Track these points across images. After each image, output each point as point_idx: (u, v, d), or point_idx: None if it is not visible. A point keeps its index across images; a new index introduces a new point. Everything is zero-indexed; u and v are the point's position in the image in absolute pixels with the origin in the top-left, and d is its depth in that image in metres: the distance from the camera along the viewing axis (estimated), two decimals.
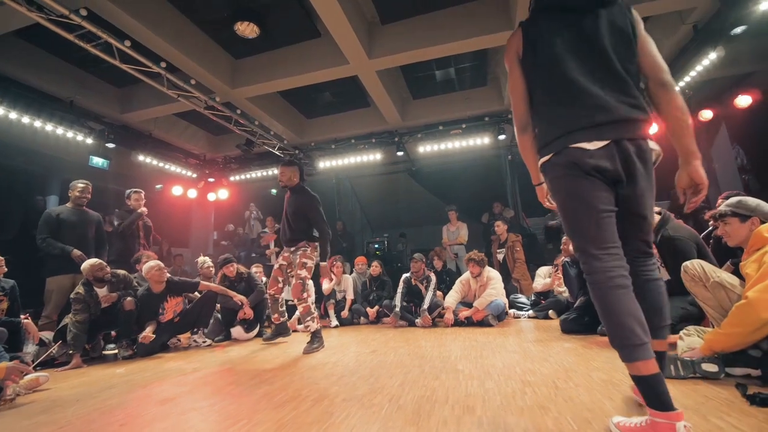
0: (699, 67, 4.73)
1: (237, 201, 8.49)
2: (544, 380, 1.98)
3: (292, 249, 3.46)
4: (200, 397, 2.12)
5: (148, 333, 3.53)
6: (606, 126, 1.29)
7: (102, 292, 3.64)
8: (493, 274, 4.56)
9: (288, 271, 3.50)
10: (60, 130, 5.24)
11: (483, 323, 4.18)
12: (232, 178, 8.20)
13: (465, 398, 1.77)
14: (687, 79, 5.01)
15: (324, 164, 7.32)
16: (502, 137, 6.22)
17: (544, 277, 4.86)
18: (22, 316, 3.30)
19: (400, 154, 6.72)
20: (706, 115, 5.91)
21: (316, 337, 3.33)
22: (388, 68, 5.04)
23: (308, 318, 3.32)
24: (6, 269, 3.38)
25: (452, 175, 7.64)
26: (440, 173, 7.80)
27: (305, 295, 3.33)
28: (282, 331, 3.77)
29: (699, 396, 1.60)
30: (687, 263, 2.17)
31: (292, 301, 4.91)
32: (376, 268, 5.40)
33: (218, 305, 4.32)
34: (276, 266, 3.49)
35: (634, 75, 1.36)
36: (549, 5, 1.48)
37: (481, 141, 6.44)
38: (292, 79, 5.05)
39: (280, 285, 3.47)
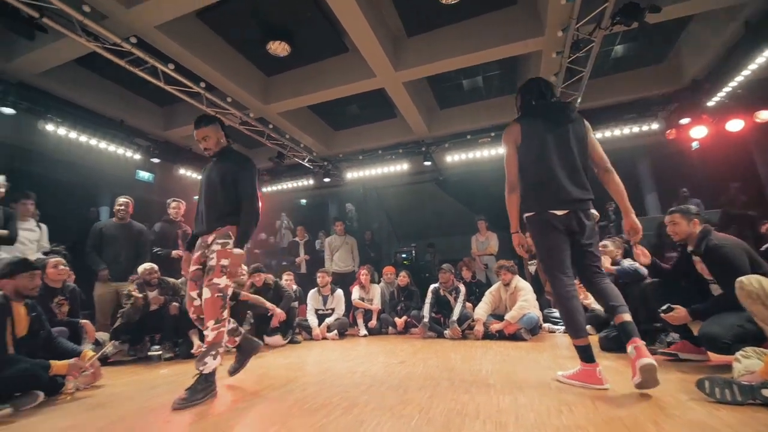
0: (753, 66, 4.49)
1: (269, 211, 8.77)
2: (582, 399, 1.90)
3: (209, 240, 2.38)
4: (237, 400, 2.20)
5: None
6: (567, 202, 2.15)
7: (152, 296, 3.90)
8: (522, 284, 4.45)
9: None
10: (111, 147, 5.65)
11: (515, 337, 4.07)
12: (264, 189, 8.49)
13: (497, 414, 1.73)
14: (739, 78, 4.76)
15: (352, 175, 7.44)
16: None
17: None
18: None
19: (427, 164, 6.74)
20: (763, 116, 5.50)
21: (207, 382, 2.21)
22: (414, 79, 5.09)
23: (212, 352, 2.22)
24: (67, 273, 3.65)
25: (481, 184, 7.54)
26: (468, 182, 7.72)
27: (225, 314, 2.27)
28: (247, 350, 2.70)
29: (759, 425, 1.47)
30: (743, 279, 2.04)
31: (322, 309, 5.07)
32: (404, 278, 5.40)
33: (249, 312, 4.46)
34: (189, 278, 2.42)
35: (587, 168, 2.25)
36: (536, 114, 2.29)
37: None
38: (321, 93, 5.22)
39: (198, 303, 2.34)
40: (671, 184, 6.88)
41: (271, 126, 5.90)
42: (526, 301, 4.23)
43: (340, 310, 5.08)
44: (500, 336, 4.17)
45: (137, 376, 3.07)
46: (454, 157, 6.70)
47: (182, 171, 6.94)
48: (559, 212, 2.14)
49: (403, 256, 8.47)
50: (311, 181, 7.94)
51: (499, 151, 6.43)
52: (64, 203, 5.84)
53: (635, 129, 6.02)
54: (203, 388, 2.17)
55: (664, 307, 2.62)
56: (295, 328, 4.71)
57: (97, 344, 3.50)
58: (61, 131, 5.08)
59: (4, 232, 3.54)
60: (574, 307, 2.14)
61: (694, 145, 5.98)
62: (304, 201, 9.81)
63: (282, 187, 8.33)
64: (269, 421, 1.76)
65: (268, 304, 4.36)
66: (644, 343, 1.96)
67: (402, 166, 7.05)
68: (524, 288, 4.39)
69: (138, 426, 1.84)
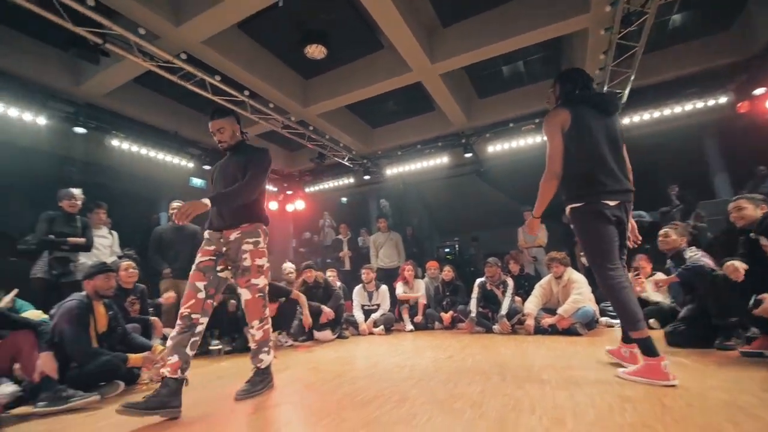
0: None
1: (312, 210, 9.03)
2: (648, 396, 1.78)
3: (232, 237, 2.26)
4: (291, 392, 2.30)
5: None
6: (619, 192, 2.13)
7: None
8: (576, 277, 4.23)
9: (221, 271, 2.26)
10: (167, 158, 6.09)
11: (570, 332, 3.89)
12: (307, 190, 8.75)
13: (553, 410, 1.67)
14: None
15: (391, 171, 7.46)
16: None
17: None
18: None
19: (468, 155, 6.59)
20: None
21: (264, 374, 2.32)
22: (451, 70, 4.99)
23: (264, 349, 2.31)
24: (137, 275, 4.00)
25: (526, 173, 7.18)
26: (512, 172, 7.44)
27: (266, 311, 2.34)
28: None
29: None
30: None
31: (368, 305, 5.15)
32: (448, 272, 5.34)
33: (299, 308, 4.63)
34: (192, 268, 2.21)
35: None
36: (583, 101, 2.22)
37: None
38: (358, 92, 5.27)
39: (202, 296, 2.13)
40: (745, 162, 6.21)
41: (311, 128, 6.06)
42: (580, 294, 4.02)
43: (386, 305, 5.13)
44: (553, 331, 4.00)
45: (202, 368, 3.29)
46: (495, 147, 6.50)
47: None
48: (611, 202, 2.11)
49: (446, 250, 8.38)
50: (351, 180, 8.06)
51: (545, 139, 6.13)
52: (131, 211, 6.38)
53: (699, 105, 5.50)
54: (261, 380, 2.29)
55: (751, 302, 2.36)
56: (342, 324, 4.82)
57: (165, 339, 3.79)
58: (125, 145, 5.57)
59: (81, 240, 3.96)
60: (627, 297, 2.06)
61: None
62: (344, 199, 9.99)
63: (323, 186, 8.53)
64: (323, 413, 1.82)
65: (313, 306, 4.51)
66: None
67: (442, 160, 6.96)
68: (578, 280, 4.18)
69: (207, 413, 1.98)
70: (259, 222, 2.36)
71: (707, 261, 2.93)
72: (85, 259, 4.12)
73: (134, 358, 2.69)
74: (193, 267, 2.21)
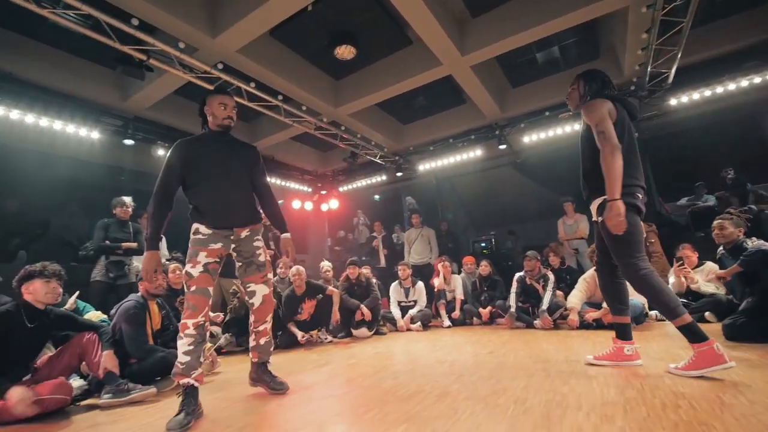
0: None
1: (346, 209, 9.16)
2: (704, 394, 1.68)
3: (243, 234, 2.23)
4: (335, 386, 2.37)
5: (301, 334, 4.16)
6: (644, 188, 2.22)
7: None
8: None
9: (237, 266, 2.27)
10: None
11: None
12: (341, 189, 8.89)
13: (601, 406, 1.62)
14: None
15: (423, 167, 7.42)
16: None
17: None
18: None
19: (502, 147, 6.43)
20: None
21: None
22: (482, 61, 4.88)
23: (271, 348, 2.42)
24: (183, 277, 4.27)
25: (565, 163, 6.88)
26: (550, 162, 7.17)
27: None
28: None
29: None
30: None
31: (405, 301, 5.16)
32: (485, 267, 5.25)
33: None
34: (198, 269, 2.03)
35: None
36: (615, 100, 2.25)
37: None
38: (388, 89, 5.28)
39: (211, 302, 2.06)
40: None
41: (342, 128, 6.15)
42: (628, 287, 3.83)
43: (422, 301, 5.14)
44: (598, 325, 3.85)
45: (246, 364, 3.43)
46: (531, 137, 6.29)
47: (267, 179, 7.58)
48: (641, 195, 2.20)
49: (482, 245, 8.22)
50: (384, 177, 8.10)
51: (588, 120, 5.86)
52: (176, 215, 6.74)
53: (757, 80, 5.05)
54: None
55: None
56: (379, 320, 4.87)
57: (212, 336, 4.00)
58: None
59: (134, 244, 4.27)
60: (662, 284, 2.08)
61: None
62: (377, 197, 10.05)
63: (357, 185, 8.63)
64: (366, 407, 1.87)
65: (351, 303, 4.59)
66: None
67: (475, 153, 6.83)
68: None
69: (254, 406, 2.09)
70: (260, 221, 2.37)
71: None
72: (137, 263, 4.44)
73: None
74: (200, 268, 2.03)
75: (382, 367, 2.82)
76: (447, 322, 5.02)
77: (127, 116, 5.45)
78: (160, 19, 3.73)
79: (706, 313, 3.71)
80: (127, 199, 4.38)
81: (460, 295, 5.20)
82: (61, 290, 3.24)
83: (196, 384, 1.96)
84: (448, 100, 6.41)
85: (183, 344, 1.97)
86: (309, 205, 8.83)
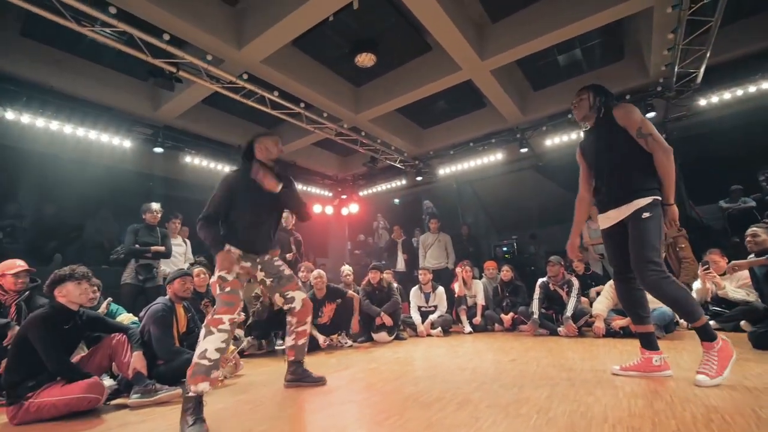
0: None
1: (366, 213, 9.22)
2: (738, 407, 1.62)
3: (266, 258, 2.52)
4: (355, 391, 2.40)
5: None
6: None
7: (275, 296, 4.44)
8: None
9: (268, 282, 2.51)
10: (233, 170, 6.59)
11: None
12: (361, 193, 8.96)
13: (629, 418, 1.58)
14: None
15: (444, 171, 7.40)
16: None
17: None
18: None
19: (524, 150, 6.35)
20: None
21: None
22: (503, 65, 4.85)
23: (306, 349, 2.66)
24: (208, 279, 4.37)
25: None
26: (573, 165, 7.02)
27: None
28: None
29: None
30: None
31: (425, 306, 5.15)
32: (507, 272, 5.19)
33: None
34: (232, 275, 2.20)
35: None
36: None
37: None
38: (408, 95, 5.31)
39: (241, 304, 2.21)
40: None
41: (363, 133, 6.22)
42: None
43: (443, 307, 5.11)
44: (626, 333, 3.74)
45: (268, 367, 3.52)
46: (554, 140, 6.19)
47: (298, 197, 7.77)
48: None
49: (504, 249, 8.12)
50: (404, 181, 8.12)
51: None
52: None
53: None
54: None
55: None
56: (399, 325, 4.88)
57: (236, 339, 4.09)
58: (196, 161, 6.12)
59: (161, 248, 4.45)
60: (681, 287, 2.11)
61: None
62: (397, 200, 10.08)
63: (377, 189, 8.67)
64: (387, 413, 1.89)
65: (371, 309, 4.64)
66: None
67: (496, 156, 6.77)
68: None
69: (275, 410, 2.14)
70: (277, 247, 2.66)
71: None
72: (164, 267, 4.62)
73: None
74: (233, 275, 2.20)
75: (402, 372, 2.84)
76: (468, 328, 4.98)
77: (157, 125, 5.69)
78: (189, 33, 3.90)
79: (742, 322, 3.55)
80: (155, 206, 4.56)
81: (481, 301, 5.15)
82: (96, 293, 3.39)
83: (210, 389, 1.96)
84: (469, 104, 6.39)
85: (215, 339, 2.01)
86: (330, 210, 8.94)
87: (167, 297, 3.08)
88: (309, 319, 2.62)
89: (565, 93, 5.86)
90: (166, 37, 3.80)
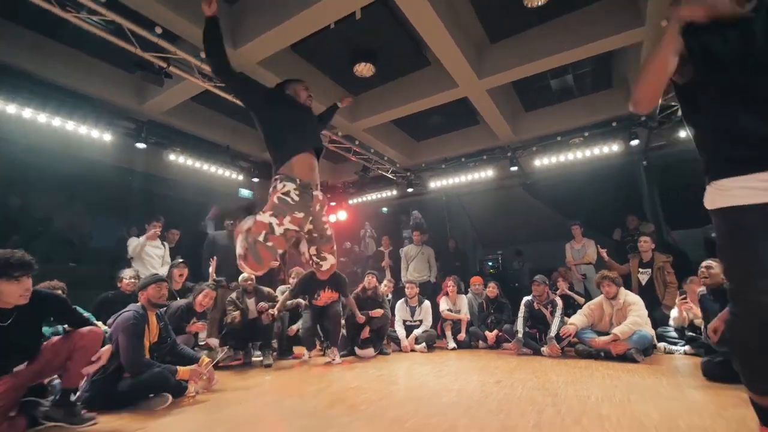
0: None
1: (354, 221, 9.15)
2: None
3: (318, 207, 2.31)
4: (339, 414, 2.32)
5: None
6: None
7: (250, 303, 4.31)
8: (632, 299, 3.99)
9: (315, 234, 2.33)
10: (219, 171, 6.44)
11: (625, 358, 3.66)
12: (350, 201, 8.89)
13: None
14: None
15: (435, 184, 7.42)
16: (634, 142, 5.48)
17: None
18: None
19: (513, 169, 6.43)
20: None
21: None
22: (498, 85, 4.92)
23: None
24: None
25: (574, 187, 6.95)
26: (560, 185, 7.18)
27: None
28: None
29: None
30: None
31: (410, 321, 5.09)
32: (492, 289, 5.20)
33: (344, 323, 4.67)
34: (281, 230, 2.01)
35: None
36: None
37: (609, 149, 5.76)
38: (404, 108, 5.31)
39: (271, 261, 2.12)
40: None
41: (357, 142, 6.18)
42: (639, 317, 3.79)
43: (428, 321, 5.08)
44: (606, 356, 3.79)
45: (244, 381, 3.38)
46: (543, 161, 6.30)
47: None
48: None
49: (489, 263, 8.17)
50: (394, 192, 8.09)
51: (594, 152, 5.89)
52: (182, 218, 6.77)
53: None
54: None
55: None
56: (384, 339, 4.81)
57: (210, 350, 3.92)
58: (181, 159, 5.94)
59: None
60: None
61: None
62: (385, 209, 10.04)
63: (367, 198, 8.62)
64: None
65: (360, 317, 4.55)
66: None
67: (487, 173, 6.84)
68: (636, 302, 3.94)
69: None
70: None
71: None
72: (139, 268, 4.40)
73: (183, 370, 2.76)
74: (281, 230, 2.00)
75: (386, 393, 2.78)
76: (452, 344, 4.96)
77: (141, 119, 5.47)
78: (183, 29, 3.75)
79: (686, 347, 3.75)
80: (129, 272, 4.06)
81: (466, 317, 5.14)
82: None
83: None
84: (463, 120, 6.44)
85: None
86: None
87: (139, 304, 2.85)
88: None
89: (556, 116, 6.01)
90: (159, 30, 3.61)
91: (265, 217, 2.01)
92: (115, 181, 6.05)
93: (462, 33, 4.13)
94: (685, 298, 3.97)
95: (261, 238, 1.96)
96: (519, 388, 2.79)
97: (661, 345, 4.20)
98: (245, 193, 7.48)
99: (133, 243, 4.62)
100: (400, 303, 5.22)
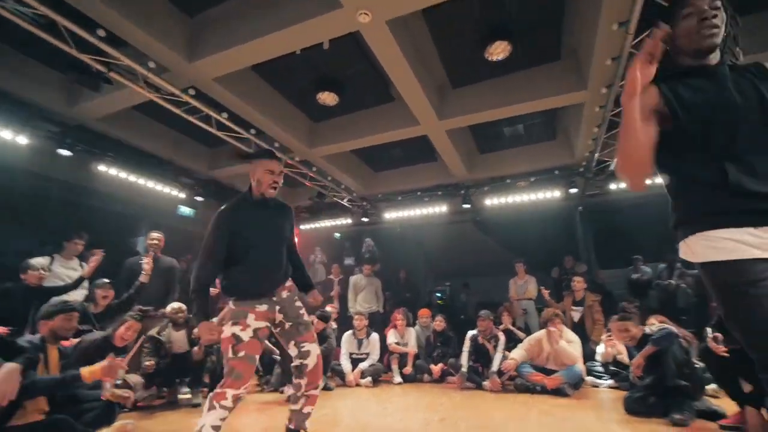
0: None
1: (304, 246, 8.88)
2: None
3: (284, 294, 2.18)
4: None
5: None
6: None
7: (179, 335, 3.91)
8: (571, 336, 4.22)
9: (287, 326, 2.16)
10: (158, 186, 5.97)
11: (558, 392, 3.82)
12: (302, 227, 8.65)
13: None
14: None
15: (390, 215, 7.52)
16: (573, 190, 6.02)
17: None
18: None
19: (466, 206, 6.72)
20: None
21: None
22: (457, 127, 5.18)
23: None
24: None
25: (520, 227, 7.42)
26: (507, 224, 7.63)
27: None
28: None
29: None
30: None
31: (357, 353, 4.93)
32: (440, 323, 5.24)
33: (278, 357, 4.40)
34: (248, 333, 1.94)
35: None
36: None
37: (551, 194, 6.25)
38: (365, 139, 5.39)
39: (253, 373, 2.04)
40: None
41: (314, 168, 6.10)
42: (578, 354, 4.04)
43: (375, 354, 4.96)
44: (542, 390, 3.93)
45: (168, 425, 3.01)
46: (493, 200, 6.67)
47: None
48: None
49: (438, 294, 8.30)
50: (349, 220, 8.05)
51: (539, 195, 6.36)
52: (106, 233, 6.08)
53: None
54: None
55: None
56: (327, 373, 4.61)
57: (129, 387, 3.36)
58: (113, 171, 5.42)
59: None
60: None
61: None
62: (338, 235, 9.90)
63: (320, 225, 8.46)
64: None
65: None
66: None
67: (441, 208, 7.07)
68: (574, 341, 4.17)
69: None
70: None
71: (672, 328, 3.05)
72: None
73: (89, 370, 2.23)
74: (249, 332, 1.92)
75: None
76: (398, 378, 4.87)
77: (68, 123, 4.95)
78: (132, 34, 3.46)
79: (607, 379, 4.12)
80: (40, 261, 3.64)
81: (413, 350, 5.10)
82: None
83: None
84: (421, 156, 6.66)
85: (214, 417, 1.78)
86: None
87: (39, 336, 2.40)
88: (321, 382, 2.21)
89: (507, 160, 6.47)
90: (102, 33, 3.32)
91: (226, 330, 1.89)
92: (29, 187, 5.28)
93: (426, 75, 4.33)
94: (610, 336, 4.25)
95: (230, 354, 1.86)
96: (462, 426, 2.78)
97: (589, 379, 4.43)
98: (185, 211, 6.99)
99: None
100: (347, 335, 5.07)
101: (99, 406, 2.42)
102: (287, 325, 2.14)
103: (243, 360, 1.85)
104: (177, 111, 4.40)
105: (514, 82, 4.49)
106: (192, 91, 4.23)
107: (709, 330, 2.68)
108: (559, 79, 4.28)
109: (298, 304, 2.21)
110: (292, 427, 2.18)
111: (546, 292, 5.62)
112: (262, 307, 2.01)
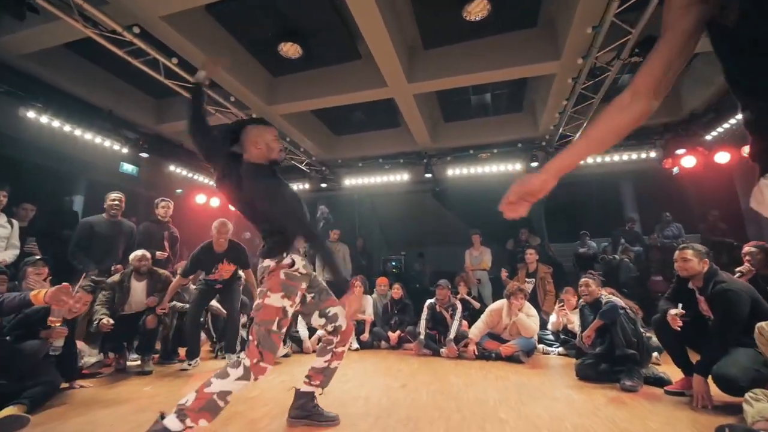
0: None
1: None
2: None
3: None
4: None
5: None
6: None
7: (140, 286, 3.65)
8: (532, 312, 4.39)
9: (309, 298, 2.14)
10: (97, 139, 5.32)
11: (512, 359, 4.02)
12: None
13: None
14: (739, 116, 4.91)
15: (349, 182, 7.32)
16: (534, 164, 6.14)
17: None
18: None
19: (428, 176, 6.68)
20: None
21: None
22: (425, 92, 5.02)
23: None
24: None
25: (478, 199, 7.52)
26: (466, 196, 7.72)
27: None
28: None
29: None
30: (762, 324, 2.05)
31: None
32: (397, 290, 5.29)
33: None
34: (292, 310, 1.93)
35: None
36: None
37: (513, 167, 6.37)
38: (329, 99, 5.07)
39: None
40: (654, 208, 7.12)
41: None
42: (536, 324, 4.25)
43: None
44: (497, 357, 4.12)
45: (116, 394, 2.84)
46: (455, 171, 6.68)
47: (171, 167, 6.66)
48: None
49: (392, 264, 8.37)
50: (306, 186, 7.76)
51: (500, 168, 6.45)
52: (39, 190, 5.45)
53: (633, 156, 6.14)
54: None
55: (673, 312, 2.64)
56: (284, 340, 4.52)
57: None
58: (44, 119, 4.73)
59: None
60: None
61: (675, 170, 6.08)
62: None
63: None
64: None
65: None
66: None
67: (402, 176, 6.98)
68: (534, 315, 4.35)
69: None
70: None
71: (619, 301, 3.25)
72: None
73: (39, 293, 2.06)
74: (292, 310, 1.92)
75: (289, 402, 2.55)
76: (355, 345, 4.88)
77: None
78: None
79: (559, 348, 4.40)
80: None
81: (370, 317, 5.12)
82: None
83: None
84: (385, 121, 6.45)
85: (241, 387, 1.77)
86: (215, 201, 7.97)
87: None
88: (352, 338, 2.28)
89: (471, 130, 6.41)
90: None
91: (275, 299, 1.82)
92: None
93: (398, 31, 4.08)
94: (562, 306, 4.52)
95: (275, 327, 1.80)
96: (423, 392, 2.82)
97: (540, 346, 4.72)
98: (128, 168, 6.34)
99: None
100: None
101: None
102: (309, 297, 2.12)
103: (281, 336, 1.86)
104: (119, 52, 3.82)
105: (487, 47, 4.37)
106: (136, 29, 3.68)
107: (662, 302, 2.88)
108: (534, 48, 4.21)
109: (316, 273, 2.25)
110: (317, 383, 2.20)
111: (504, 274, 5.82)
112: (305, 285, 2.02)
